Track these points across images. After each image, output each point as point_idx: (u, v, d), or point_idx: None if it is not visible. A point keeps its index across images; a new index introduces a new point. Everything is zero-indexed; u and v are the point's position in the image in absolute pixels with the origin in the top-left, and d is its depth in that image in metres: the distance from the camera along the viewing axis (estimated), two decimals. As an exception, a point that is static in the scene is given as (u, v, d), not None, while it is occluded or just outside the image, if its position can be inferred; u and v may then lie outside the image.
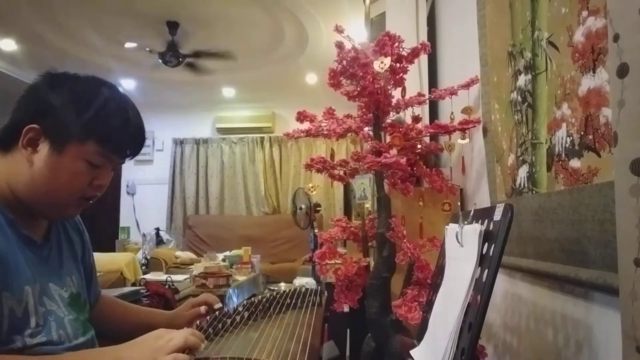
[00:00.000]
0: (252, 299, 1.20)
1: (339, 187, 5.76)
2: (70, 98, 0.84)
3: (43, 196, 0.83)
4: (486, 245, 0.61)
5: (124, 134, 0.88)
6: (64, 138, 0.82)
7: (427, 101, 1.28)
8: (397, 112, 1.16)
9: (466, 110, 1.23)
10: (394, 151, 1.09)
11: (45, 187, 0.83)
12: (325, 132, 1.10)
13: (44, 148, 0.82)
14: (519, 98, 0.91)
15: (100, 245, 3.13)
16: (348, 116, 1.15)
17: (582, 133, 0.66)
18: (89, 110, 0.83)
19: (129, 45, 4.31)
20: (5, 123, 0.85)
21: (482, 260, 0.60)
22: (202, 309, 1.07)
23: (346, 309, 1.07)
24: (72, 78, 0.88)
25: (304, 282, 2.59)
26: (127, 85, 5.30)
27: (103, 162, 0.86)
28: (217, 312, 1.07)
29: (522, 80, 0.89)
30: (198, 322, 1.03)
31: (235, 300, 2.76)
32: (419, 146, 1.14)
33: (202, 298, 1.12)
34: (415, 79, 1.81)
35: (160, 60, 4.27)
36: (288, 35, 4.26)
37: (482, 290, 0.57)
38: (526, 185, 0.89)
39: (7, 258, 0.77)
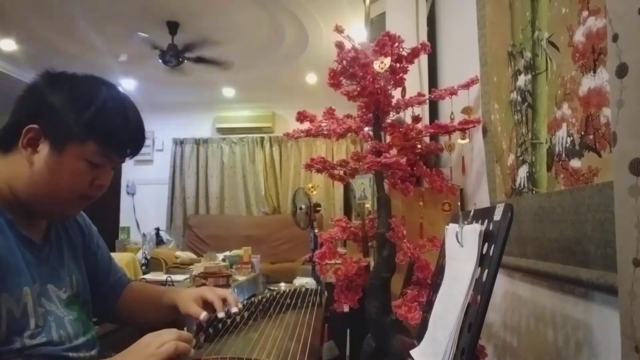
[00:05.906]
0: (252, 299, 1.20)
1: (339, 187, 5.75)
2: (69, 98, 0.84)
3: (43, 196, 0.83)
4: (486, 245, 0.61)
5: (124, 133, 0.88)
6: (64, 138, 0.82)
7: (427, 101, 1.28)
8: (397, 112, 1.16)
9: (466, 110, 1.22)
10: (394, 151, 1.09)
11: (46, 187, 0.82)
12: (325, 132, 1.10)
13: (44, 148, 0.82)
14: (519, 98, 0.91)
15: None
16: (348, 116, 1.15)
17: (582, 133, 0.66)
18: (89, 110, 0.83)
19: (124, 58, 4.32)
20: (5, 123, 0.85)
21: (482, 260, 0.60)
22: (203, 316, 0.93)
23: (346, 309, 1.07)
24: (72, 77, 0.88)
25: (304, 282, 2.58)
26: (127, 85, 5.30)
27: (103, 161, 0.86)
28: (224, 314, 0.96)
29: (522, 80, 0.89)
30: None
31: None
32: (419, 146, 1.14)
33: (220, 295, 0.98)
34: (415, 79, 1.81)
35: (160, 61, 4.27)
36: (288, 35, 4.26)
37: (482, 290, 0.57)
38: (526, 185, 0.88)
39: (6, 259, 0.77)
